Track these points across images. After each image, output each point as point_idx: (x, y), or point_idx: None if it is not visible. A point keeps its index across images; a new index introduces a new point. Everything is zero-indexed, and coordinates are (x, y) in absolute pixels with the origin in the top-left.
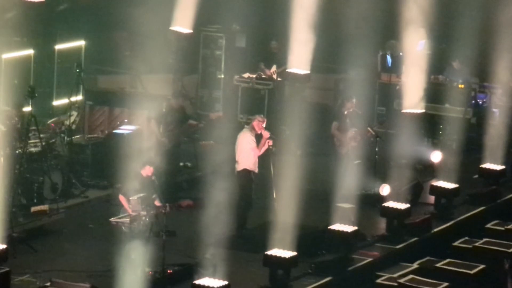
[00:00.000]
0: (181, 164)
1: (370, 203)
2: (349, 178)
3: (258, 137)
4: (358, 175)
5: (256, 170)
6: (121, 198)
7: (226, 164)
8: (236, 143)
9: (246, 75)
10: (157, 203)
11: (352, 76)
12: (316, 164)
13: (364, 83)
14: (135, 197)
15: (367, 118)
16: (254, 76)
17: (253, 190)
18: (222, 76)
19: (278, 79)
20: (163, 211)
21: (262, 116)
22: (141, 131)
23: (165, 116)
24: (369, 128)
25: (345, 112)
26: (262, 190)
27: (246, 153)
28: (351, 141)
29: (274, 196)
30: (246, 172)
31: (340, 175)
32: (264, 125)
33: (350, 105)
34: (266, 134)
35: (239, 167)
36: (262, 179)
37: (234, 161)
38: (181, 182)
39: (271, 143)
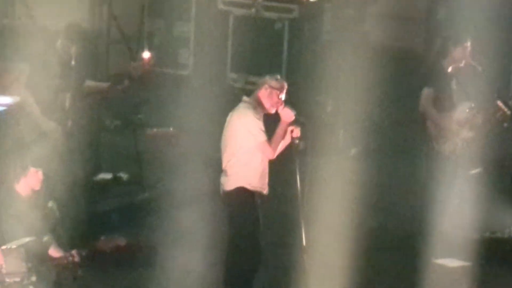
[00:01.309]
0: (105, 175)
1: (503, 256)
2: (459, 206)
3: (270, 122)
4: (478, 200)
5: (266, 190)
6: None
7: (200, 176)
8: (225, 134)
9: None
10: (55, 251)
11: None
12: (388, 174)
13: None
14: (10, 245)
15: (498, 83)
16: None
17: (260, 228)
18: None
19: None
20: (68, 262)
21: (278, 77)
22: (19, 106)
23: (77, 73)
24: (500, 103)
25: (450, 69)
26: (279, 226)
27: (246, 155)
28: (463, 128)
29: (303, 240)
30: (244, 193)
31: (440, 199)
32: (283, 96)
33: (461, 54)
34: (287, 115)
35: (231, 183)
36: (279, 203)
37: (218, 171)
38: (108, 212)
39: (297, 133)
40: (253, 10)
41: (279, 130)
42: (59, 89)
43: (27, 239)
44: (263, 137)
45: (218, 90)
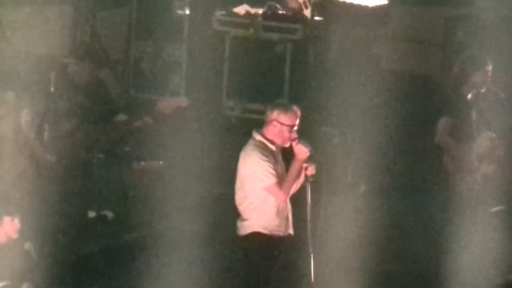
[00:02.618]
0: (91, 213)
1: None
2: (478, 248)
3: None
4: (501, 240)
5: (287, 230)
6: None
7: (192, 215)
8: (237, 174)
9: (241, 9)
10: None
11: (484, 13)
12: (401, 213)
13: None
14: None
15: None
16: (259, 11)
17: (273, 273)
18: (187, 12)
19: (315, 17)
20: None
21: (288, 107)
22: (3, 135)
23: (55, 103)
24: None
25: (469, 96)
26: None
27: (258, 197)
28: (484, 161)
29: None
30: (259, 239)
31: (458, 240)
32: (295, 130)
33: (482, 79)
34: (302, 151)
35: (245, 229)
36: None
37: (212, 209)
38: (91, 254)
39: (312, 171)
40: (251, 30)
41: (293, 169)
42: (66, 115)
43: (0, 284)
44: (271, 180)
45: (213, 119)
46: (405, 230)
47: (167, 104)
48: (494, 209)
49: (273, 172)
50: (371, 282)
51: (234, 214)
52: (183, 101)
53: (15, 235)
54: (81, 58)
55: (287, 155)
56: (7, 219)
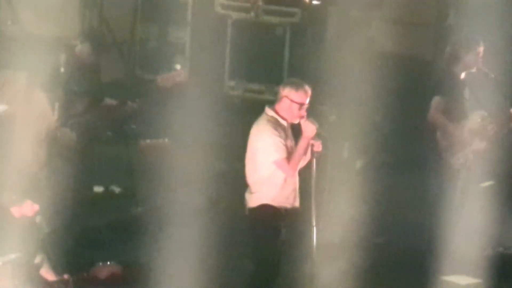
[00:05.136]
0: (99, 188)
1: None
2: (469, 221)
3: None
4: (491, 214)
5: (295, 204)
6: None
7: (196, 189)
8: (248, 148)
9: None
10: (47, 272)
11: None
12: (396, 188)
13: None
14: None
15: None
16: None
17: (280, 247)
18: None
19: (313, 1)
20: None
21: (299, 85)
22: (15, 115)
23: (66, 83)
24: None
25: (462, 75)
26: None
27: (267, 171)
28: (475, 139)
29: (313, 254)
30: (268, 211)
31: (450, 214)
32: (305, 108)
33: (473, 60)
34: (309, 128)
35: (254, 201)
36: None
37: (215, 184)
38: (99, 228)
39: (319, 148)
40: (252, 14)
41: (300, 145)
42: (77, 95)
43: (13, 256)
44: (281, 154)
45: (216, 99)
46: (398, 203)
47: (166, 78)
48: (485, 184)
49: (283, 147)
50: (365, 253)
51: (237, 188)
52: (180, 74)
53: (30, 215)
54: (83, 40)
55: (296, 131)
56: (28, 203)
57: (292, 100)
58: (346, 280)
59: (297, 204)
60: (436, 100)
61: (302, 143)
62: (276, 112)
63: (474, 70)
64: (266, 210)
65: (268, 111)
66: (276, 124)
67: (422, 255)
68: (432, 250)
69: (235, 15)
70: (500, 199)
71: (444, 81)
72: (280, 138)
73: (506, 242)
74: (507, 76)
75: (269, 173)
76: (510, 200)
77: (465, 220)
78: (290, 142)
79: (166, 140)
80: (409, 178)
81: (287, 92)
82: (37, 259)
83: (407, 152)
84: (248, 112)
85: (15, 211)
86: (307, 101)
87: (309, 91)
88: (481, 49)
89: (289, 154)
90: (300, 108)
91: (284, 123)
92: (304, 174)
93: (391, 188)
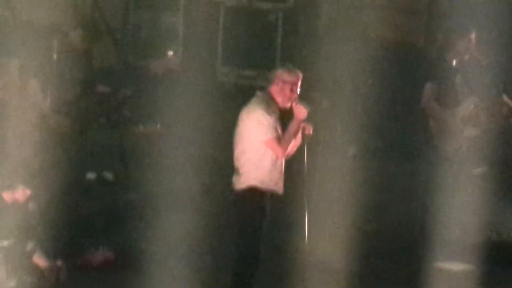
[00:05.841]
0: (91, 174)
1: (509, 259)
2: (462, 207)
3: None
4: (483, 200)
5: (280, 189)
6: None
7: (189, 175)
8: (236, 130)
9: None
10: (39, 259)
11: None
12: (388, 175)
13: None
14: None
15: (503, 77)
16: None
17: (263, 230)
18: None
19: None
20: (52, 275)
21: (291, 69)
22: (8, 101)
23: (60, 69)
24: (506, 98)
25: (454, 62)
26: (282, 226)
27: (257, 152)
28: (468, 125)
29: (306, 241)
30: (255, 193)
31: (443, 200)
32: (296, 90)
33: (465, 46)
34: (301, 111)
35: (242, 182)
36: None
37: (208, 170)
38: (92, 214)
39: (310, 130)
40: (245, 0)
41: (291, 128)
42: (71, 81)
43: (5, 242)
44: (272, 133)
45: (208, 85)
46: (391, 190)
47: (159, 65)
48: (477, 170)
49: (274, 128)
50: (358, 240)
51: (230, 174)
52: (171, 59)
53: (22, 200)
54: (76, 27)
55: (285, 120)
56: (20, 188)
57: (284, 81)
58: (338, 265)
59: (281, 189)
60: (428, 87)
61: (294, 125)
62: (268, 95)
63: (466, 57)
64: (253, 191)
65: (259, 93)
66: (267, 106)
67: (415, 242)
68: (425, 236)
69: (228, 1)
70: (492, 185)
71: (436, 68)
72: (271, 118)
73: (498, 228)
74: (499, 63)
75: (258, 155)
76: (502, 186)
77: (458, 206)
78: (279, 127)
79: (159, 126)
80: (401, 164)
81: (279, 73)
82: (30, 246)
83: (400, 139)
84: (241, 98)
85: (7, 196)
86: (299, 83)
87: (301, 75)
88: (473, 36)
89: (279, 138)
90: (292, 90)
91: (275, 106)
92: (296, 158)
93: (383, 174)
